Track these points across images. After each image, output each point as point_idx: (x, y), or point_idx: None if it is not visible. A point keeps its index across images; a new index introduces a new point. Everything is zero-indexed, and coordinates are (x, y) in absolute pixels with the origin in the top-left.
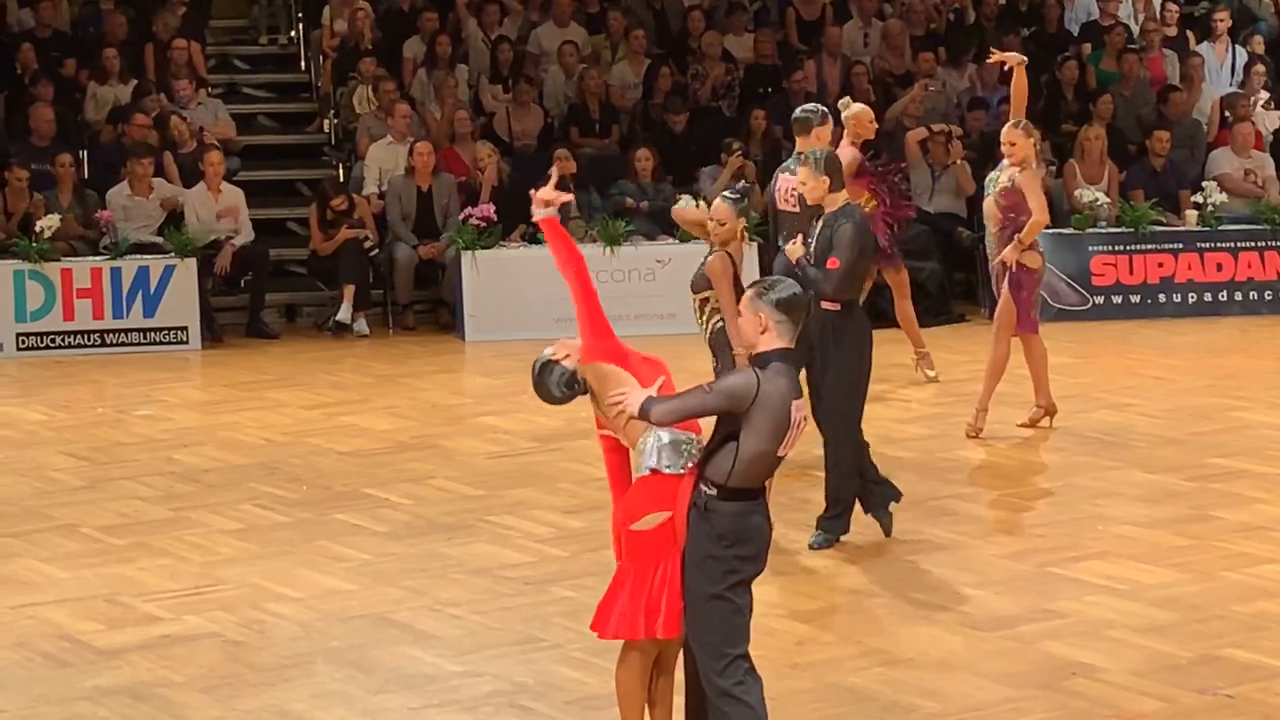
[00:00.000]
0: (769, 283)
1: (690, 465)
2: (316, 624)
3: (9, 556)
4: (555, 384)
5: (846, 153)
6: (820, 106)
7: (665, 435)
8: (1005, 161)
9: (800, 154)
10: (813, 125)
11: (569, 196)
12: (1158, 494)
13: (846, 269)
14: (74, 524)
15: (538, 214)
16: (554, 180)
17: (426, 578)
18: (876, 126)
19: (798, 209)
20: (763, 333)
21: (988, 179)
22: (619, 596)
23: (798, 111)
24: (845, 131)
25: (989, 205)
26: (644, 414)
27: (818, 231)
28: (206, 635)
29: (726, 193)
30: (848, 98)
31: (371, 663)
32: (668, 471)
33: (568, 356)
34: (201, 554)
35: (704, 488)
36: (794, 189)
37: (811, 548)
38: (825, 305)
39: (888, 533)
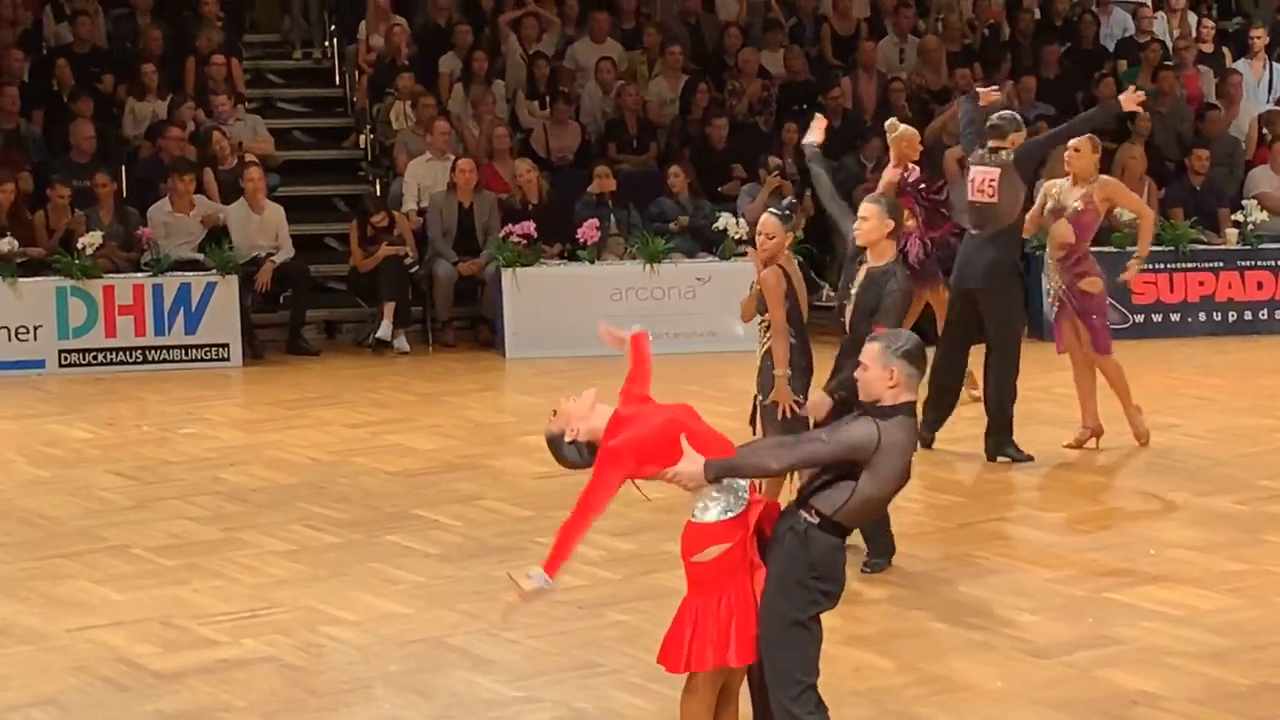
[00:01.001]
0: (892, 335)
1: (746, 506)
2: (374, 648)
3: (63, 578)
4: (576, 455)
5: (890, 173)
6: (1015, 114)
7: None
8: (1064, 182)
9: (993, 149)
10: (1008, 131)
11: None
12: (1209, 517)
13: None
14: (125, 544)
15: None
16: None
17: (481, 601)
18: (921, 148)
19: (994, 199)
20: (892, 387)
21: (1045, 194)
22: (684, 629)
23: (994, 118)
24: (891, 152)
25: (1061, 229)
26: (760, 468)
27: (859, 281)
28: (264, 659)
29: (773, 209)
30: (894, 119)
31: (431, 688)
32: (728, 518)
33: (576, 432)
34: (254, 576)
35: (806, 515)
36: (991, 179)
37: (864, 571)
38: None
39: None
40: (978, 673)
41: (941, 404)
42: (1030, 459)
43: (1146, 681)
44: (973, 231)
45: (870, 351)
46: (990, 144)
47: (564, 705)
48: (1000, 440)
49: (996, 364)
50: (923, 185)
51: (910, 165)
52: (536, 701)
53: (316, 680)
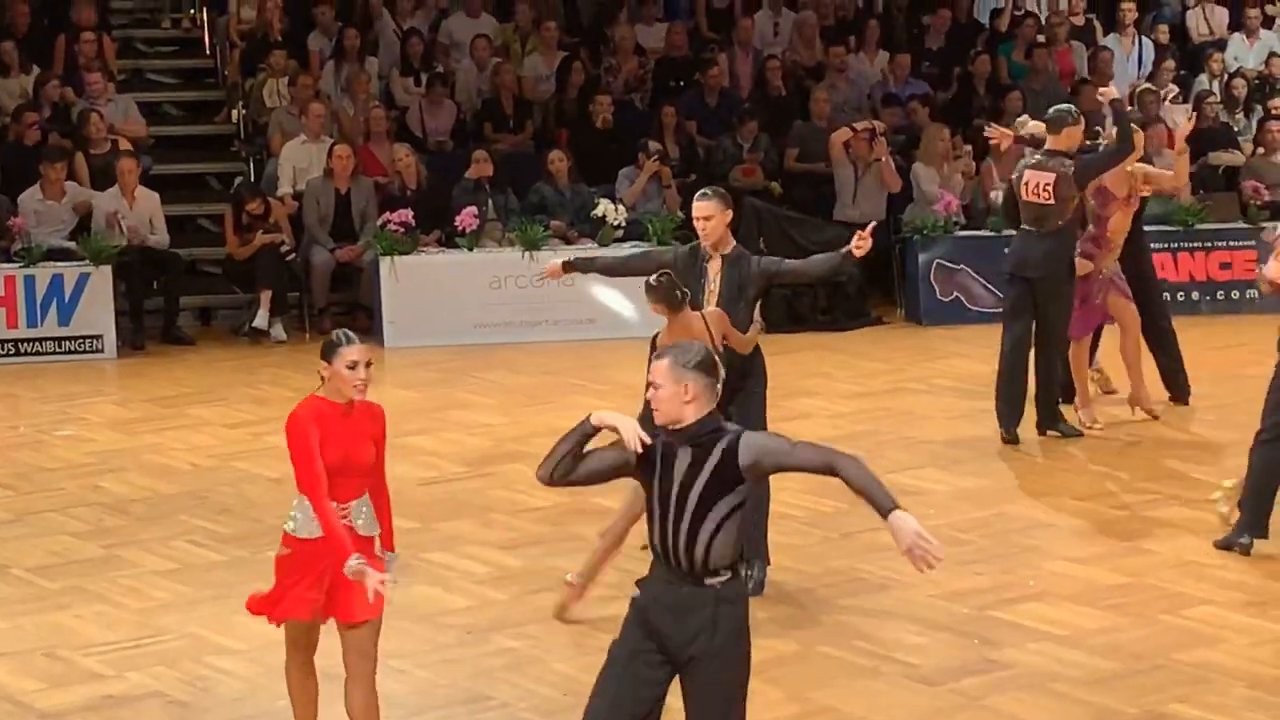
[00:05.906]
0: (681, 348)
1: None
2: (260, 680)
3: None
4: None
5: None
6: (1073, 106)
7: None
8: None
9: (1051, 151)
10: (1066, 124)
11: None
12: (1092, 523)
13: None
14: (5, 564)
15: None
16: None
17: None
18: None
19: (1050, 201)
20: (689, 401)
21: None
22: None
23: (1051, 111)
24: None
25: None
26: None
27: (720, 273)
28: (150, 695)
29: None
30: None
31: None
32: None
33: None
34: (137, 599)
35: (716, 581)
36: (1046, 184)
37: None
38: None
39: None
40: (867, 703)
41: (1012, 395)
42: (1080, 434)
43: (1034, 713)
44: (1026, 228)
45: (660, 369)
46: (1048, 144)
47: None
48: (1047, 417)
49: (1046, 349)
50: None
51: None
52: None
53: (203, 718)
